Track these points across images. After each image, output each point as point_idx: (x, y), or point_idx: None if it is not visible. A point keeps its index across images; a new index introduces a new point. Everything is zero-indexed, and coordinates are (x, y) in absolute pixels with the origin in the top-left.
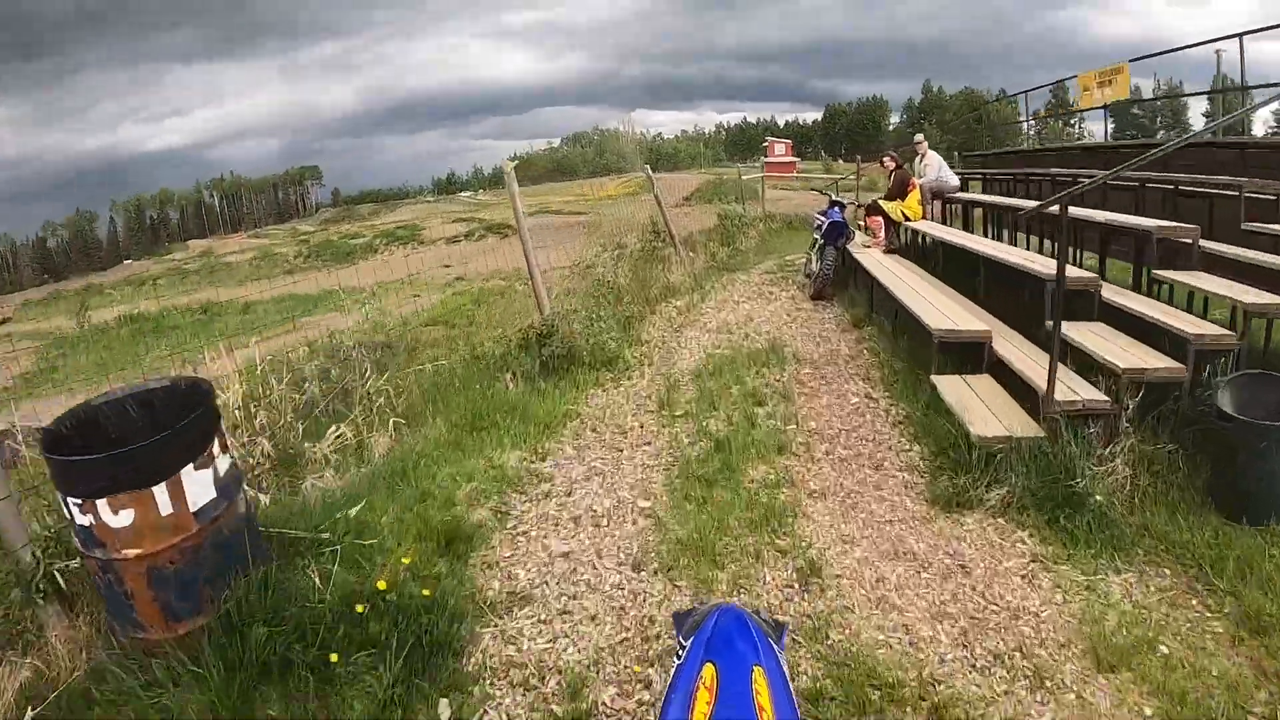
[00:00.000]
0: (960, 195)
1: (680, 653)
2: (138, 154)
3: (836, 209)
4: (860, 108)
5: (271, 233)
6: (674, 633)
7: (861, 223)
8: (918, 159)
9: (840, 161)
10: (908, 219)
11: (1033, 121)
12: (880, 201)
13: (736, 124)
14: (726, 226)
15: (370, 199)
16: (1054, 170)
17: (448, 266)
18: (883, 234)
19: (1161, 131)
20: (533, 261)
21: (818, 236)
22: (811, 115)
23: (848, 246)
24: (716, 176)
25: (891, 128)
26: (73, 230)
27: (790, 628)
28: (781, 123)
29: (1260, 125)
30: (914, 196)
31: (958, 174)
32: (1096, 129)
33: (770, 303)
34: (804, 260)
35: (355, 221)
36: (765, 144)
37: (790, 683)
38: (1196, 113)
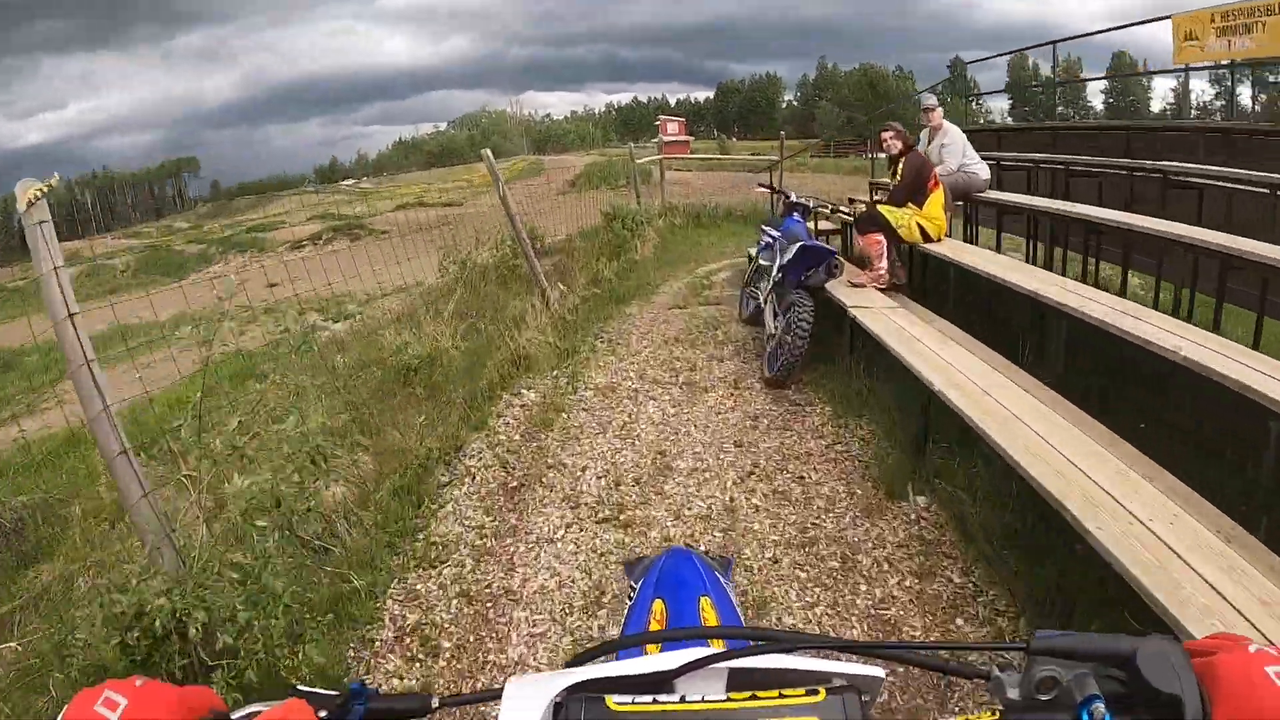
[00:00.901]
0: (991, 195)
1: (632, 595)
2: (7, 151)
3: (796, 215)
4: (753, 85)
5: (144, 231)
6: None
7: (852, 241)
8: (926, 138)
9: (734, 140)
10: (927, 237)
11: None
12: (883, 208)
13: (627, 104)
14: (615, 230)
15: (251, 191)
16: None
17: (274, 285)
18: (882, 262)
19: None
20: None
21: (769, 265)
22: (703, 94)
23: (830, 287)
24: (606, 157)
25: (785, 105)
26: None
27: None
28: (673, 101)
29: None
30: (937, 200)
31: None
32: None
33: (696, 397)
34: (740, 291)
35: (230, 216)
36: (658, 122)
37: (738, 608)
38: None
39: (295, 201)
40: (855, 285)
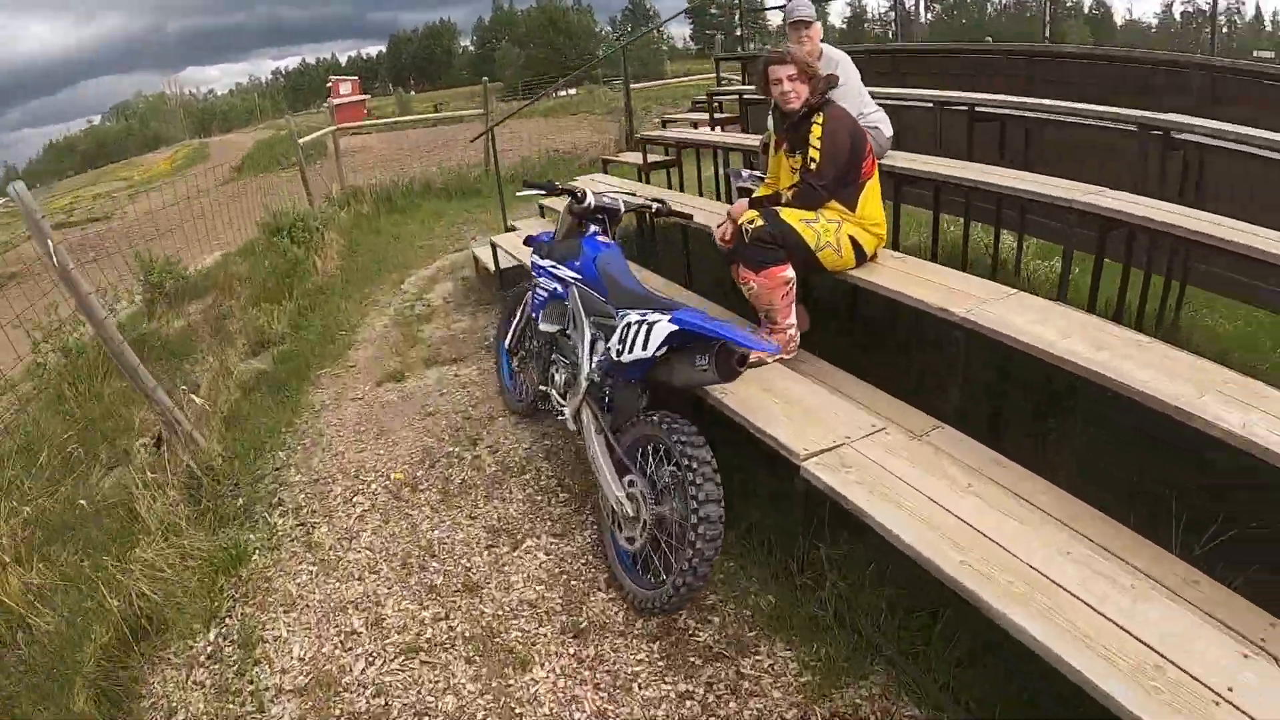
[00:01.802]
0: (897, 160)
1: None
2: None
3: (597, 231)
4: (427, 33)
5: None
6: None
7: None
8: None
9: (413, 93)
10: (862, 256)
11: None
12: (789, 215)
13: (295, 68)
14: (282, 246)
15: None
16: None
17: None
18: (791, 315)
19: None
20: None
21: (559, 335)
22: (375, 48)
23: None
24: (277, 130)
25: (463, 51)
26: None
27: None
28: (344, 59)
29: None
30: (874, 191)
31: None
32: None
33: (508, 682)
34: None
35: None
36: (329, 84)
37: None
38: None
39: None
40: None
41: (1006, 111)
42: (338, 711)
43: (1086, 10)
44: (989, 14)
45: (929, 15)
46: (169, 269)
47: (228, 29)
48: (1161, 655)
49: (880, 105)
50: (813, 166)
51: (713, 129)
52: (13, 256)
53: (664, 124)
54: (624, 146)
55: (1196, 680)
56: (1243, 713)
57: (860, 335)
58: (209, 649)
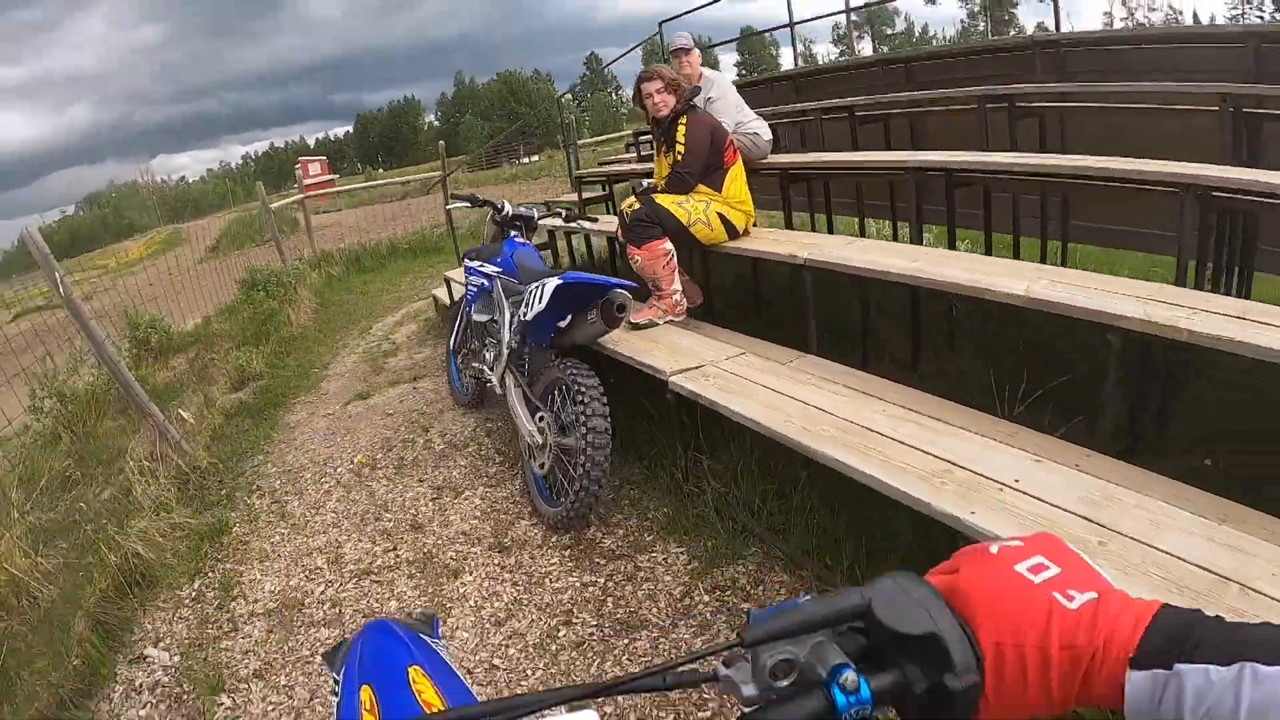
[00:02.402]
0: (778, 160)
1: (337, 690)
2: None
3: (516, 235)
4: (393, 111)
5: None
6: (328, 674)
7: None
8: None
9: (381, 170)
10: (733, 232)
11: None
12: (662, 199)
13: (265, 152)
14: (258, 300)
15: None
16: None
17: None
18: (674, 280)
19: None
20: None
21: (491, 322)
22: (341, 129)
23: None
24: (248, 212)
25: (427, 126)
26: None
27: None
28: (312, 142)
29: None
30: (738, 175)
31: None
32: None
33: (443, 589)
34: (449, 357)
35: None
36: (298, 166)
37: (454, 666)
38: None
39: None
40: (635, 326)
41: (884, 111)
42: (299, 622)
43: (1031, 34)
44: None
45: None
46: (154, 325)
47: (195, 116)
48: (952, 464)
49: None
50: (679, 158)
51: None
52: None
53: (600, 164)
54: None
55: (984, 477)
56: (1026, 494)
57: (745, 303)
58: (193, 594)
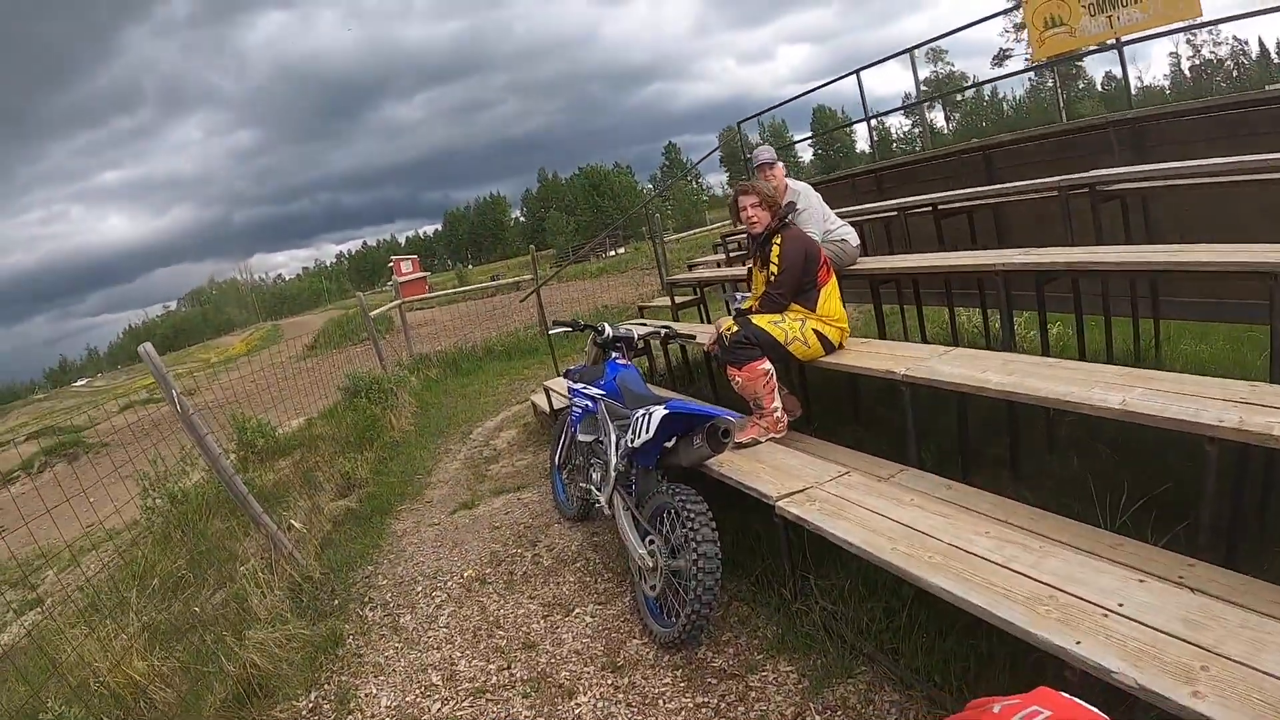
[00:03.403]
0: (867, 265)
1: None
2: None
3: (618, 357)
4: (479, 208)
5: None
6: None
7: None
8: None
9: (470, 266)
10: (829, 346)
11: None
12: (760, 320)
13: (358, 250)
14: (360, 407)
15: None
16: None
17: None
18: (774, 399)
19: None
20: None
21: (596, 443)
22: (431, 226)
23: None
24: (344, 311)
25: (514, 221)
26: None
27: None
28: (403, 240)
29: None
30: (833, 293)
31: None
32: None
33: (558, 709)
34: (553, 471)
35: None
36: (390, 264)
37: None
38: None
39: (28, 412)
40: (739, 445)
41: (970, 203)
42: None
43: (1099, 86)
44: (1005, 112)
45: (951, 124)
46: (260, 429)
47: (291, 216)
48: (1056, 588)
49: (846, 215)
50: (772, 279)
51: (720, 266)
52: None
53: (690, 267)
54: (659, 292)
55: (1086, 601)
56: (1131, 619)
57: (844, 412)
58: (310, 706)
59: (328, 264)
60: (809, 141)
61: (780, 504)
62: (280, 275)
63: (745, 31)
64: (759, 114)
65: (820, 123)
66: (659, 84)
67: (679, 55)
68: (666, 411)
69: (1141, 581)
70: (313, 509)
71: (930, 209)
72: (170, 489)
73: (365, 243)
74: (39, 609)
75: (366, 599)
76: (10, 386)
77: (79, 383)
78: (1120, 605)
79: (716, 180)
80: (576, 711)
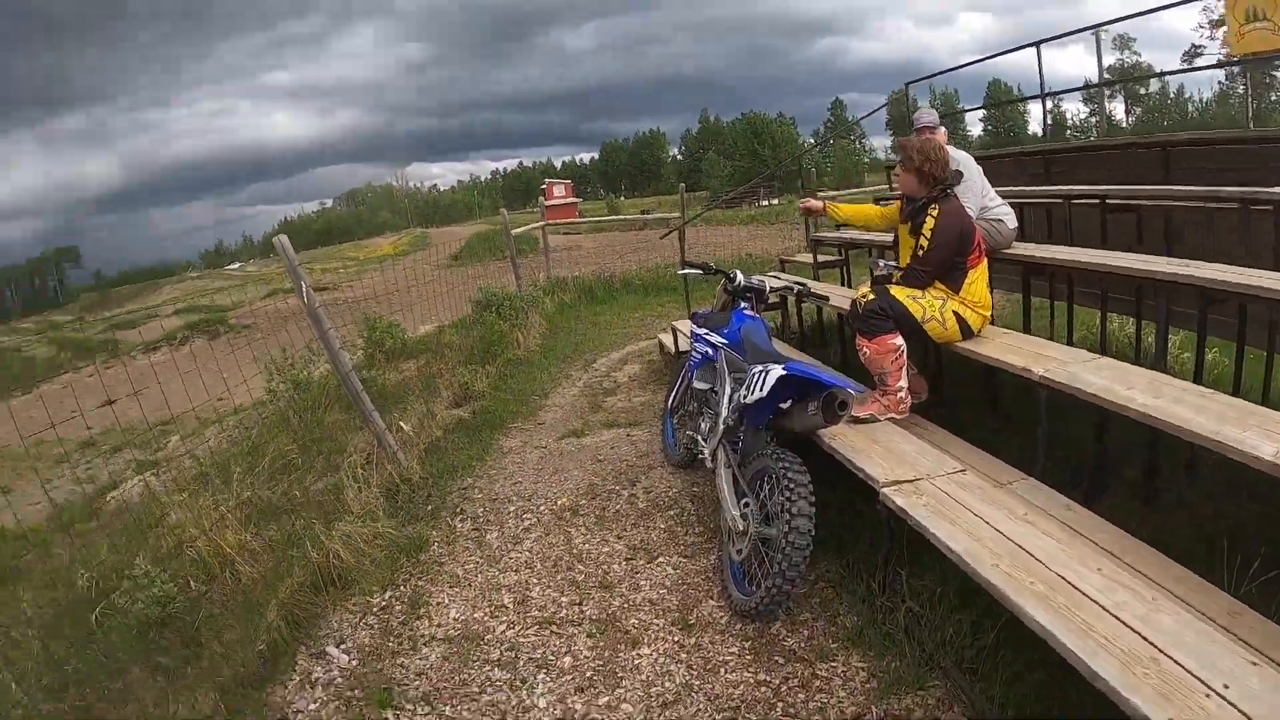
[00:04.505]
0: (1021, 251)
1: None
2: None
3: (745, 306)
4: (638, 142)
5: (22, 328)
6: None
7: (861, 350)
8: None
9: (622, 198)
10: (967, 331)
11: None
12: (899, 292)
13: (513, 169)
14: (489, 322)
15: (134, 279)
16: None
17: (112, 403)
18: (900, 378)
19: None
20: None
21: (711, 392)
22: (588, 155)
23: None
24: (493, 226)
25: (670, 159)
26: None
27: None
28: (559, 164)
29: None
30: (981, 276)
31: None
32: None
33: (618, 656)
34: (665, 415)
35: (111, 307)
36: (544, 186)
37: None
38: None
39: (182, 290)
40: (856, 419)
41: (1140, 201)
42: (475, 657)
43: None
44: (1190, 113)
45: (1131, 118)
46: (390, 330)
47: (451, 131)
48: (1160, 650)
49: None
50: (920, 253)
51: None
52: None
53: (838, 226)
54: (803, 248)
55: (1190, 674)
56: (1234, 707)
57: (972, 404)
58: (382, 604)
59: (483, 179)
60: (980, 115)
61: (886, 491)
62: (435, 185)
63: None
64: (930, 76)
65: (994, 97)
66: (832, 38)
67: (857, 9)
68: (783, 372)
69: (1255, 665)
70: (426, 414)
71: (1098, 201)
72: (295, 375)
73: (521, 163)
74: (153, 470)
75: (459, 510)
76: (166, 264)
77: (232, 265)
78: (1225, 687)
79: (880, 144)
80: (636, 662)
